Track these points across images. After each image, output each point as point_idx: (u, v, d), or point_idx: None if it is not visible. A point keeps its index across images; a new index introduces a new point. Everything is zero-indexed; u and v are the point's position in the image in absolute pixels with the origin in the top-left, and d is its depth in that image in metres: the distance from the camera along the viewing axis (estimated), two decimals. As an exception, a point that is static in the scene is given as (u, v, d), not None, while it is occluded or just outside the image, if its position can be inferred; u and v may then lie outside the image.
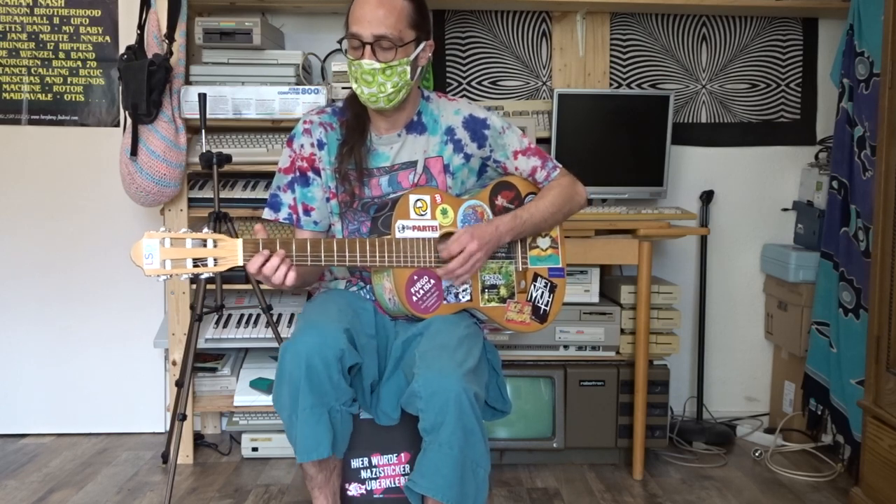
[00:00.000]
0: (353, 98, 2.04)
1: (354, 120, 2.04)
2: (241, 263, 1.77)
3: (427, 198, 1.98)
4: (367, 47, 1.90)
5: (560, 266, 2.16)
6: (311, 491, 1.97)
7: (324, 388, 1.80)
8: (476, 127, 2.07)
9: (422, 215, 1.96)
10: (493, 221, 1.99)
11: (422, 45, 1.97)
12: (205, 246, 1.74)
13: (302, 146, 2.06)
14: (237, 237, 1.78)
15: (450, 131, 2.06)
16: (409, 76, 1.95)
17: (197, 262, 1.73)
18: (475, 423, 1.77)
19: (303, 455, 1.82)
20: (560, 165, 2.16)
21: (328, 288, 2.13)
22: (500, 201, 2.08)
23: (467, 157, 2.08)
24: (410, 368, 1.86)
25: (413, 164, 2.05)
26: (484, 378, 1.97)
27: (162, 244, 1.70)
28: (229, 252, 1.76)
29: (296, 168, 2.06)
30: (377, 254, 1.88)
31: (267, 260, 1.77)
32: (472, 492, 1.80)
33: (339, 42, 1.98)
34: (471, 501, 1.80)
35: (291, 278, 1.79)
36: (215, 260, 1.74)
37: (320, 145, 2.05)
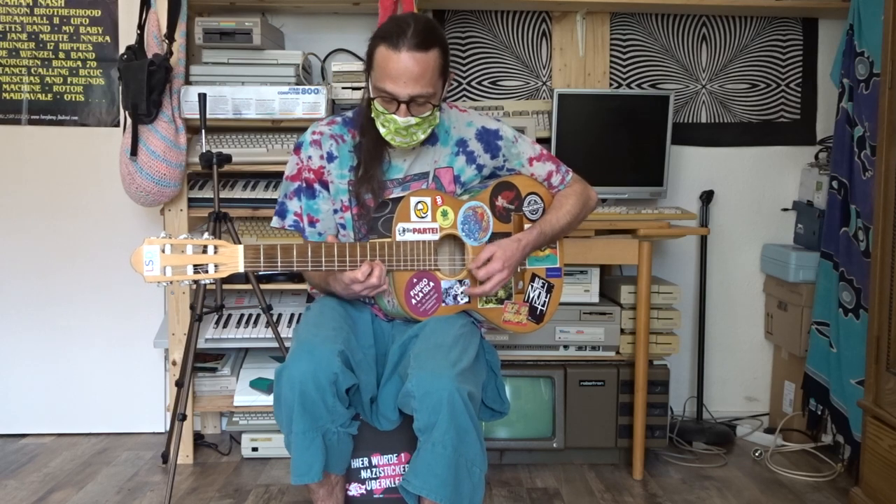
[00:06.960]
0: (369, 123, 1.97)
1: (374, 148, 2.00)
2: (241, 270, 1.76)
3: (428, 199, 1.97)
4: (403, 105, 1.88)
5: (558, 266, 2.17)
6: (314, 503, 1.99)
7: (318, 412, 1.80)
8: (489, 138, 2.09)
9: (422, 217, 1.96)
10: (521, 240, 2.02)
11: (446, 83, 1.97)
12: (205, 252, 1.74)
13: (310, 157, 2.03)
14: (237, 237, 1.77)
15: (461, 143, 2.07)
16: (437, 119, 1.97)
17: (197, 268, 1.73)
18: (469, 423, 1.77)
19: (296, 478, 1.83)
20: (570, 169, 2.19)
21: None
22: (500, 202, 2.08)
23: (480, 168, 2.09)
24: (406, 370, 1.86)
25: (425, 175, 2.04)
26: (480, 378, 1.97)
27: (162, 251, 1.70)
28: (230, 258, 1.76)
29: (302, 178, 2.04)
30: (377, 257, 1.88)
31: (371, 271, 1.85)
32: (468, 491, 1.80)
33: (371, 99, 1.91)
34: (466, 501, 1.80)
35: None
36: (216, 266, 1.74)
37: (330, 158, 2.03)
